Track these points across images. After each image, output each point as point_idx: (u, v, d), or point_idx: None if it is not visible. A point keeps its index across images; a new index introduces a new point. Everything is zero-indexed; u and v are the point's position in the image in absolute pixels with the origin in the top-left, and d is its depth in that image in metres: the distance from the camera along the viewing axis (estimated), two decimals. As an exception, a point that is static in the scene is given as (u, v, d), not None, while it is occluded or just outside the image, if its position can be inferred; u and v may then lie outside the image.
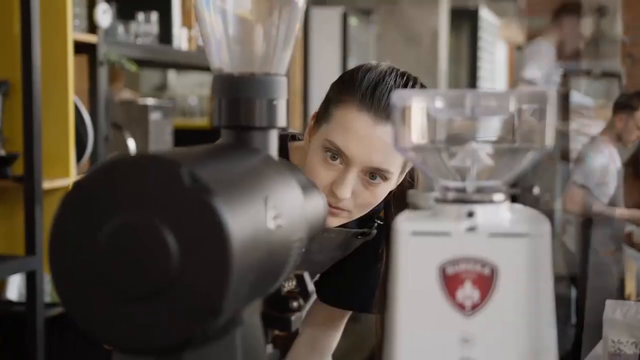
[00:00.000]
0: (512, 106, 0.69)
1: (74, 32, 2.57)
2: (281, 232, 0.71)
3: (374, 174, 1.25)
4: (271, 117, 0.80)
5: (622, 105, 4.41)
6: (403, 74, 1.28)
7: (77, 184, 0.63)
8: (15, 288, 2.63)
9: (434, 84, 5.52)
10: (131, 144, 2.95)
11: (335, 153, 1.24)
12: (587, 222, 4.40)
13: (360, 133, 1.22)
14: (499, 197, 0.70)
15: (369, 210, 1.31)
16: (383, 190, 1.28)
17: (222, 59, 0.81)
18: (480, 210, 0.69)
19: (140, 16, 3.03)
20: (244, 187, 0.67)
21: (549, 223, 0.70)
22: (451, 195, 0.71)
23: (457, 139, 0.72)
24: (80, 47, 2.65)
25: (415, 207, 0.78)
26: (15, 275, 2.58)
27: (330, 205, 1.25)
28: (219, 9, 0.80)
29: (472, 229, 0.68)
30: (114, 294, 0.62)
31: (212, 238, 0.60)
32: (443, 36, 5.67)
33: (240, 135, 0.79)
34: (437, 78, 5.60)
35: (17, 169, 2.42)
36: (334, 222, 1.29)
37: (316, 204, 0.87)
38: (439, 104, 0.70)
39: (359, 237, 1.42)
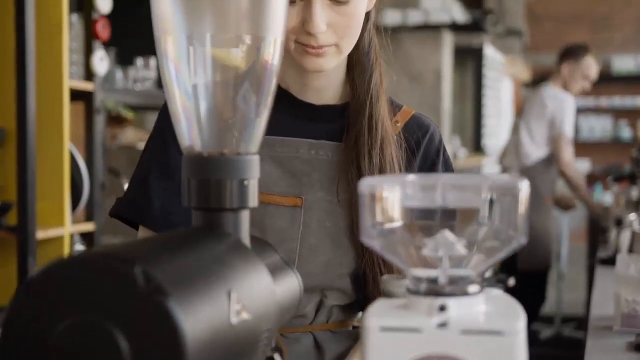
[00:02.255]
0: (484, 196, 0.67)
1: (71, 80, 2.57)
2: (247, 326, 0.68)
3: None
4: (243, 198, 0.77)
5: (568, 55, 4.42)
6: None
7: (28, 284, 0.61)
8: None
9: (438, 123, 5.49)
10: (129, 190, 2.93)
11: None
12: (534, 168, 4.39)
13: None
14: (473, 288, 0.68)
15: (356, 37, 1.21)
16: (358, 7, 1.19)
17: (192, 138, 0.79)
18: (453, 303, 0.66)
19: (139, 61, 3.03)
20: (205, 283, 0.64)
21: (524, 316, 0.67)
22: (423, 287, 0.68)
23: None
24: (78, 94, 2.65)
25: (388, 295, 0.75)
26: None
27: (312, 47, 1.18)
28: (189, 86, 0.78)
29: (443, 325, 0.65)
30: (66, 399, 0.60)
31: (166, 342, 0.58)
32: (447, 75, 5.66)
33: (210, 217, 0.77)
34: (440, 116, 5.58)
35: (12, 218, 2.40)
36: (327, 62, 1.20)
37: (289, 285, 0.84)
38: (409, 191, 0.68)
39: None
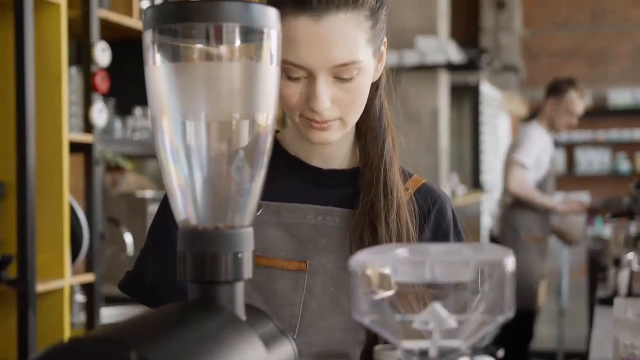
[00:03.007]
0: (472, 273, 0.68)
1: (71, 132, 2.59)
2: (242, 401, 0.69)
3: (343, 76, 1.16)
4: (237, 271, 0.79)
5: (552, 90, 4.42)
6: None
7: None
8: (8, 394, 2.59)
9: (435, 162, 5.53)
10: (128, 239, 2.95)
11: (292, 71, 1.15)
12: (514, 205, 4.33)
13: (306, 38, 1.13)
14: (463, 361, 0.69)
15: (361, 109, 1.21)
16: (362, 82, 1.18)
17: (187, 212, 0.81)
18: (443, 377, 0.68)
19: (138, 111, 3.06)
20: (200, 362, 0.65)
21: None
22: (414, 360, 0.69)
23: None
24: (77, 146, 2.67)
25: (381, 366, 0.76)
26: (7, 382, 2.55)
27: (317, 121, 1.18)
28: (184, 162, 0.80)
29: (434, 400, 0.67)
30: None
31: None
32: (444, 114, 5.70)
33: (206, 289, 0.79)
34: (438, 155, 5.61)
35: (12, 271, 2.41)
36: (331, 136, 1.20)
37: (284, 355, 0.85)
38: (399, 269, 0.70)
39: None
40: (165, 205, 1.31)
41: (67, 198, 2.53)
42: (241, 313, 0.79)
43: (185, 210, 0.81)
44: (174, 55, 0.79)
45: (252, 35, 0.79)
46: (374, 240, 1.23)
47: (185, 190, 0.80)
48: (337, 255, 1.25)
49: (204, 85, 0.79)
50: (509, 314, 0.69)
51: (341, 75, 1.16)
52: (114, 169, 3.47)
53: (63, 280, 2.51)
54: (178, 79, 0.79)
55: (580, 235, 4.70)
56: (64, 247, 2.51)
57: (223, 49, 0.79)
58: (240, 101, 0.80)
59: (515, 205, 4.35)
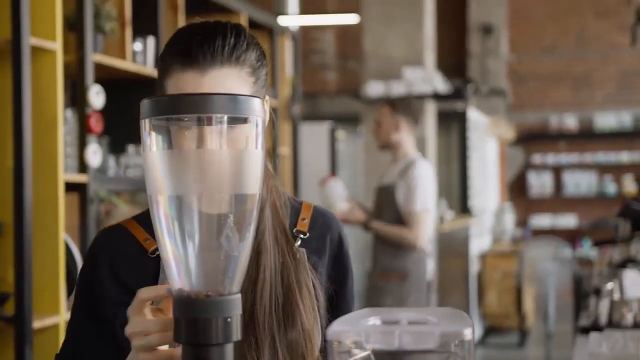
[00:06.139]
0: (436, 342, 0.77)
1: (66, 173, 2.67)
2: None
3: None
4: (226, 334, 0.88)
5: None
6: (220, 23, 1.24)
7: None
8: None
9: (423, 190, 5.60)
10: (122, 274, 3.01)
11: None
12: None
13: (192, 88, 1.18)
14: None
15: None
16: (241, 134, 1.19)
17: (181, 281, 0.90)
18: None
19: (131, 148, 3.15)
20: None
21: None
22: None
23: None
24: (72, 186, 2.75)
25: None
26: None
27: None
28: (178, 237, 0.89)
29: None
30: None
31: None
32: (431, 142, 5.80)
33: (198, 352, 0.87)
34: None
35: (9, 308, 2.48)
36: None
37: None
38: (371, 337, 0.78)
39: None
40: (92, 274, 1.35)
41: (62, 236, 2.61)
42: (230, 373, 0.88)
43: (179, 279, 0.90)
44: (169, 143, 0.88)
45: (238, 123, 0.88)
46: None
47: (179, 261, 0.89)
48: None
49: (196, 169, 0.88)
50: (468, 377, 0.77)
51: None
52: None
53: (58, 316, 2.58)
54: (172, 163, 0.88)
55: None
56: (59, 284, 2.59)
57: (213, 136, 0.88)
58: (229, 181, 0.89)
59: None
